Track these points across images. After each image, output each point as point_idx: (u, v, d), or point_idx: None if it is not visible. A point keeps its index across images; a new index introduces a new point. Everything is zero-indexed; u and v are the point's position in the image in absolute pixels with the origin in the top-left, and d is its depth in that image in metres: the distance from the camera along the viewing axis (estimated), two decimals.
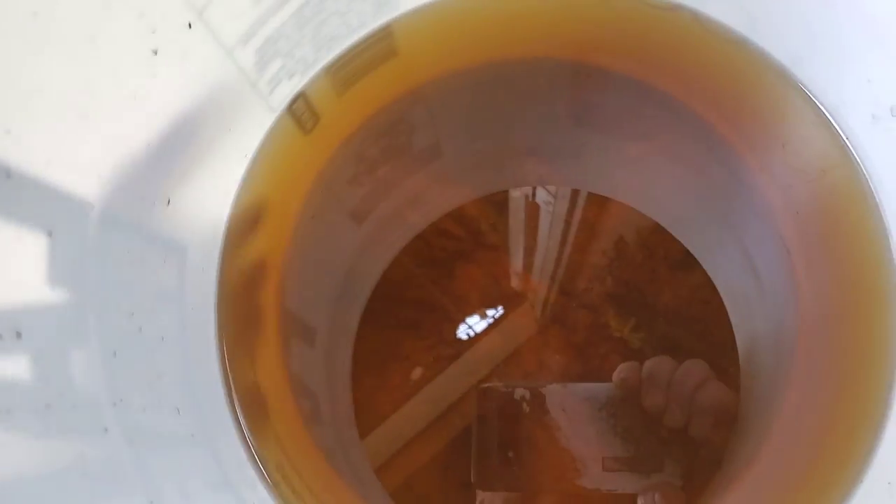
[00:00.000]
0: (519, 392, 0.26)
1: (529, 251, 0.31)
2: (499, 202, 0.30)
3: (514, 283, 0.30)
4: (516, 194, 0.31)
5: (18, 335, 0.11)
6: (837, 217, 0.18)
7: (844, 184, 0.18)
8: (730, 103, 0.20)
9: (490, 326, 0.29)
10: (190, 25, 0.14)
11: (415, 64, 0.22)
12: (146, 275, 0.14)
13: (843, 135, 0.17)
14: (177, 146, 0.15)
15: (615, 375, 0.24)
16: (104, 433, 0.12)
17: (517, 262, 0.30)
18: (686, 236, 0.26)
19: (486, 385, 0.27)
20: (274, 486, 0.17)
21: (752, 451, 0.19)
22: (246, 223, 0.19)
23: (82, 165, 0.12)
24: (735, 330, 0.23)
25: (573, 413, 0.24)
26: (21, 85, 0.11)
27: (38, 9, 0.11)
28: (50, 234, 0.12)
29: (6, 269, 0.11)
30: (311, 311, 0.24)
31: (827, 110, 0.18)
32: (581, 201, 0.30)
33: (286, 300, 0.21)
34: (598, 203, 0.30)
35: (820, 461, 0.17)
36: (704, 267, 0.25)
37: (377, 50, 0.20)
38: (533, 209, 0.31)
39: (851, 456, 0.15)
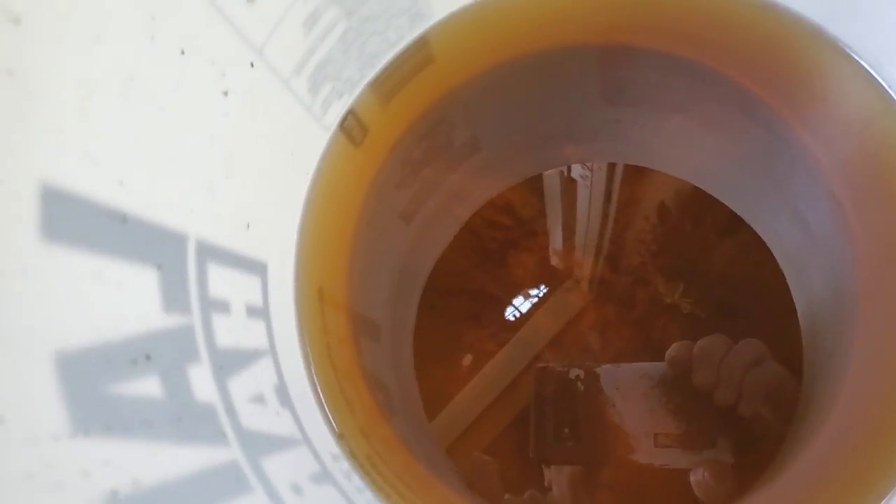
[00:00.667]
0: (574, 371, 0.27)
1: (570, 227, 0.32)
2: (541, 188, 0.31)
3: (557, 261, 0.31)
4: (550, 172, 0.32)
5: (148, 358, 0.12)
6: (886, 166, 0.19)
7: (890, 133, 0.18)
8: (763, 65, 0.21)
9: (537, 306, 0.30)
10: (252, 65, 0.15)
11: (450, 67, 0.23)
12: (236, 294, 0.16)
13: (884, 84, 0.18)
14: (250, 175, 0.17)
15: (667, 354, 0.25)
16: (224, 438, 0.14)
17: (557, 240, 0.31)
18: (731, 199, 0.27)
19: (543, 365, 0.28)
20: (365, 475, 0.19)
21: (811, 431, 0.20)
22: (313, 235, 0.20)
23: (177, 203, 0.14)
24: (792, 290, 0.24)
25: (626, 391, 0.25)
26: (124, 140, 0.12)
27: (133, 71, 0.12)
28: (159, 267, 0.13)
29: (132, 303, 0.12)
30: (374, 310, 0.26)
31: (865, 62, 0.18)
32: (619, 172, 0.31)
33: (353, 302, 0.23)
34: (636, 172, 0.31)
35: (882, 442, 0.17)
36: (754, 227, 0.26)
37: (415, 60, 0.21)
38: (569, 185, 0.32)
39: None
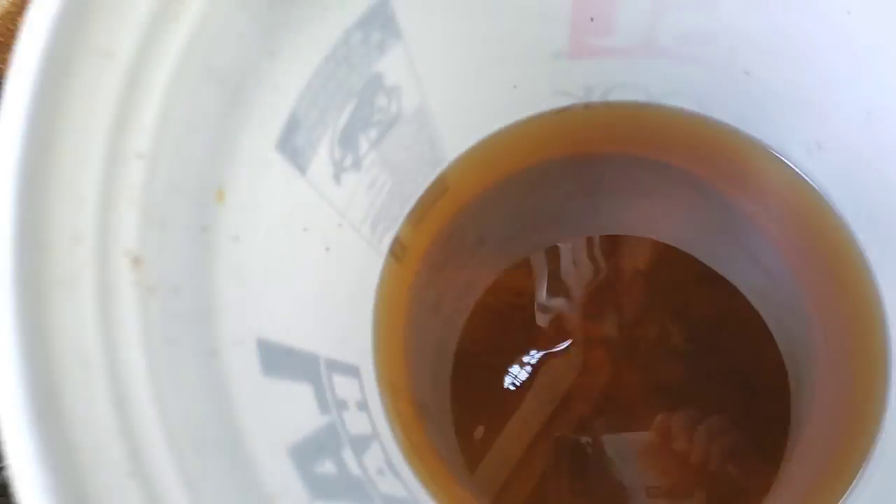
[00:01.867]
0: (584, 439, 0.33)
1: (557, 292, 0.37)
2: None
3: (547, 325, 0.36)
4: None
5: (322, 448, 0.17)
6: (808, 222, 0.25)
7: (802, 199, 0.25)
8: (703, 158, 0.27)
9: (537, 372, 0.35)
10: (340, 225, 0.21)
11: (460, 192, 0.29)
12: (349, 394, 0.21)
13: (790, 163, 0.24)
14: (344, 302, 0.22)
15: (653, 424, 0.31)
16: (371, 500, 0.19)
17: (548, 307, 0.37)
18: (702, 254, 0.32)
19: (558, 435, 0.34)
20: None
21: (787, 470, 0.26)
22: (380, 340, 0.26)
23: (311, 333, 0.19)
24: (767, 323, 0.30)
25: (624, 454, 0.32)
26: (281, 300, 0.18)
27: (283, 250, 0.18)
28: (312, 382, 0.19)
29: (308, 410, 0.17)
30: (425, 392, 0.31)
31: (774, 149, 0.25)
32: (597, 242, 0.37)
33: (412, 389, 0.28)
34: (614, 238, 0.37)
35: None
36: (725, 276, 0.31)
37: (435, 192, 0.28)
38: (553, 252, 0.38)
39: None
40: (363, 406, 0.22)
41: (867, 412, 0.22)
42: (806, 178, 0.23)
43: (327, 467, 0.17)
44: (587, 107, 0.27)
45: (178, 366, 0.12)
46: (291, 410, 0.17)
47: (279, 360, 0.17)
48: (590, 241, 0.38)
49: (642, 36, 0.22)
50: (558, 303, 0.37)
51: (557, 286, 0.37)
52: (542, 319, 0.36)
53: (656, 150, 0.28)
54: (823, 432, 0.24)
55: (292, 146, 0.17)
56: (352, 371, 0.22)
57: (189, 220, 0.14)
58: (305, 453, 0.16)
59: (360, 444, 0.20)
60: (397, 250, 0.27)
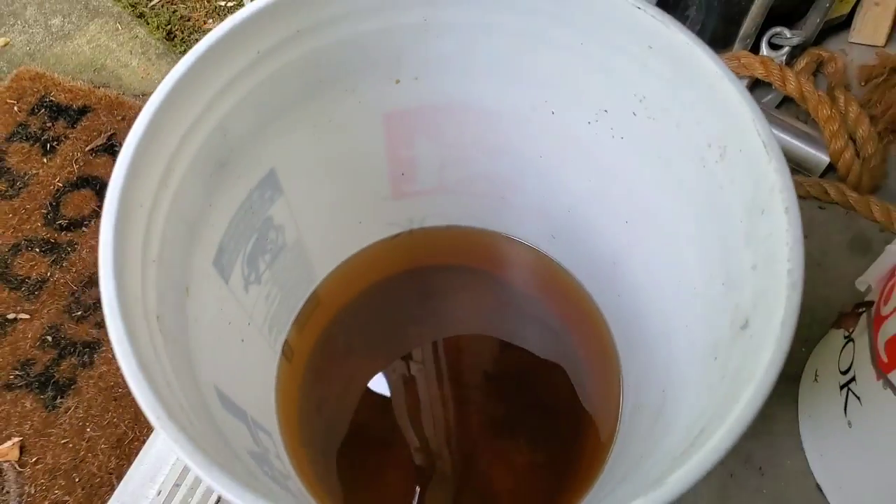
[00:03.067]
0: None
1: (420, 424, 0.45)
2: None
3: (420, 459, 0.44)
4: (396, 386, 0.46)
5: (257, 450, 0.25)
6: (563, 292, 0.38)
7: (556, 275, 0.38)
8: (495, 260, 0.40)
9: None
10: (249, 324, 0.30)
11: (330, 305, 0.39)
12: (266, 442, 0.29)
13: (544, 252, 0.37)
14: (257, 386, 0.31)
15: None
16: (277, 473, 0.26)
17: (413, 439, 0.44)
18: (501, 333, 0.44)
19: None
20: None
21: None
22: (283, 426, 0.34)
23: (245, 400, 0.28)
24: (562, 364, 0.41)
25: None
26: (215, 358, 0.27)
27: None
28: (246, 423, 0.27)
29: (248, 444, 0.26)
30: (321, 473, 0.38)
31: (532, 245, 0.38)
32: (441, 349, 0.48)
33: (314, 470, 0.36)
34: (453, 344, 0.47)
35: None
36: (519, 343, 0.43)
37: (311, 304, 0.37)
38: (396, 385, 0.47)
39: None
40: (278, 456, 0.30)
41: (612, 408, 0.34)
42: (550, 257, 0.36)
43: (264, 463, 0.25)
44: (411, 233, 0.39)
45: (184, 384, 0.21)
46: (240, 434, 0.25)
47: (227, 403, 0.25)
48: (435, 351, 0.48)
49: (436, 182, 0.35)
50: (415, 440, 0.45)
51: (410, 385, 0.47)
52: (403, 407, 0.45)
53: (460, 258, 0.40)
54: (596, 421, 0.35)
55: (220, 264, 0.27)
56: (267, 432, 0.30)
57: (175, 302, 0.23)
58: (254, 455, 0.24)
59: (280, 477, 0.28)
60: (287, 352, 0.36)
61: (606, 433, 0.33)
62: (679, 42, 0.22)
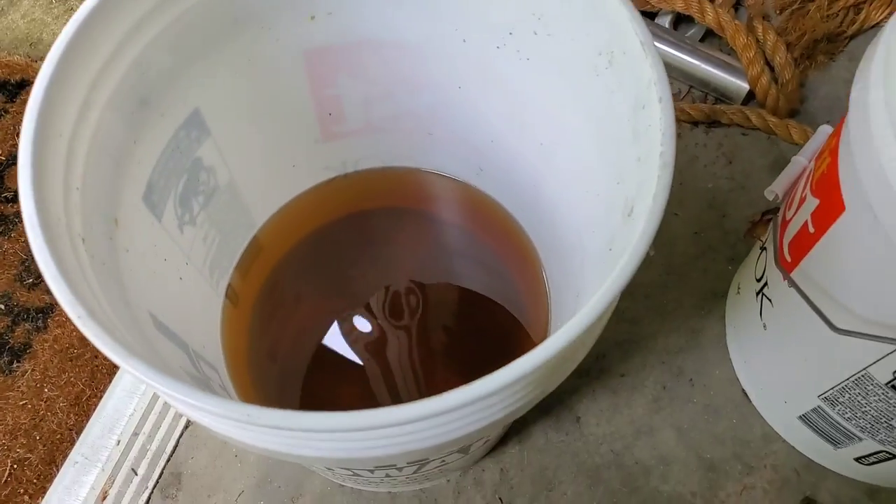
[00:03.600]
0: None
1: (373, 363, 0.47)
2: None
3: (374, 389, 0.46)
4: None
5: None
6: (493, 220, 0.39)
7: (486, 205, 0.39)
8: (429, 198, 0.41)
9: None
10: (186, 263, 0.32)
11: (272, 250, 0.40)
12: (208, 366, 0.31)
13: (474, 186, 0.39)
14: (199, 324, 0.32)
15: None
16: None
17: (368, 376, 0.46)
18: (445, 276, 0.46)
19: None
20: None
21: None
22: (232, 367, 0.35)
23: (184, 330, 0.29)
24: (495, 299, 0.43)
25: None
26: (149, 289, 0.28)
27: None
28: (185, 350, 0.28)
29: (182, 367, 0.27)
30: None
31: (461, 179, 0.39)
32: (377, 291, 0.49)
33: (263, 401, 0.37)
34: (397, 285, 0.49)
35: None
36: (458, 281, 0.45)
37: (253, 250, 0.39)
38: (346, 326, 0.48)
39: None
40: (224, 388, 0.32)
41: (542, 320, 0.36)
42: (480, 190, 0.38)
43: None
44: (346, 176, 0.40)
45: (113, 301, 0.22)
46: (178, 357, 0.26)
47: (164, 330, 0.26)
48: (377, 286, 0.50)
49: (363, 121, 0.36)
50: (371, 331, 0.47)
51: (359, 327, 0.48)
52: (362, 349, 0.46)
53: (397, 199, 0.42)
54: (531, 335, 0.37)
55: (151, 201, 0.28)
56: (212, 367, 0.32)
57: (103, 230, 0.24)
58: (194, 378, 0.25)
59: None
60: (231, 295, 0.37)
61: (539, 336, 0.35)
62: None
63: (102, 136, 0.24)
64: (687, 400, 0.42)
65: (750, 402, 0.41)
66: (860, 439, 0.33)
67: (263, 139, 0.34)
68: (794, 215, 0.33)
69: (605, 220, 0.25)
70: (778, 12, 0.51)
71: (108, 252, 0.23)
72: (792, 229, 0.33)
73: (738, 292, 0.42)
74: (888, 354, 0.28)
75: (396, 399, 0.41)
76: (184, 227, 0.31)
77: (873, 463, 0.35)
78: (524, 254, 0.37)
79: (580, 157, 0.28)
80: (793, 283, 0.33)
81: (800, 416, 0.37)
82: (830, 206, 0.28)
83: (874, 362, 0.29)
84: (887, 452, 0.33)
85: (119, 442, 0.40)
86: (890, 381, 0.29)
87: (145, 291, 0.26)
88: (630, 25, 0.22)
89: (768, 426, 0.40)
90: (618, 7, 0.23)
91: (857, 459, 0.35)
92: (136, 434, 0.40)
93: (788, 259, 0.33)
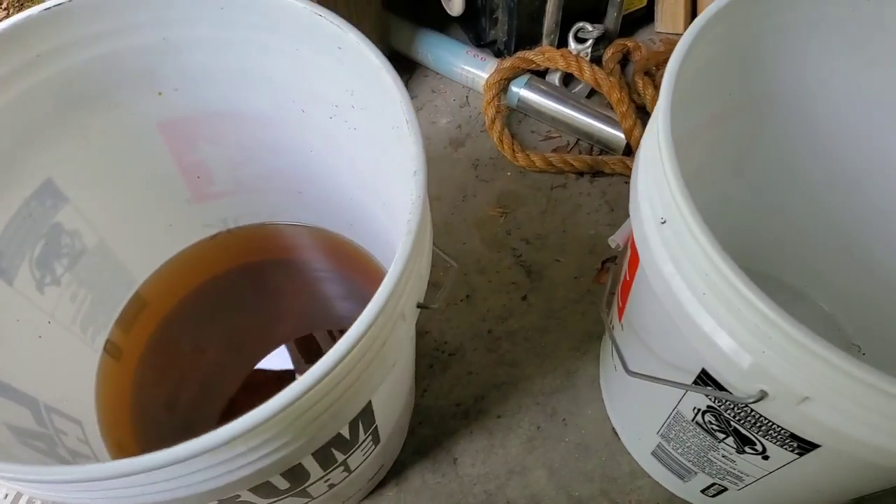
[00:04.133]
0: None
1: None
2: None
3: None
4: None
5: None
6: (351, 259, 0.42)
7: (344, 246, 0.41)
8: (304, 249, 0.44)
9: None
10: (49, 322, 0.33)
11: (159, 306, 0.42)
12: (70, 432, 0.32)
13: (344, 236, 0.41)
14: (62, 381, 0.34)
15: None
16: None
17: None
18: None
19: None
20: None
21: None
22: (107, 421, 0.37)
23: (33, 384, 0.31)
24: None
25: None
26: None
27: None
28: (33, 415, 0.30)
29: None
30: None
31: (331, 231, 0.42)
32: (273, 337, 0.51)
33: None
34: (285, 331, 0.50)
35: None
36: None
37: (136, 307, 0.41)
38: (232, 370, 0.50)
39: None
40: (84, 441, 0.33)
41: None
42: (351, 240, 0.40)
43: (40, 440, 0.28)
44: (229, 232, 0.43)
45: None
46: (16, 416, 0.28)
47: (4, 390, 0.28)
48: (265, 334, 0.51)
49: (233, 182, 0.39)
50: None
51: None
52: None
53: (278, 252, 0.44)
54: None
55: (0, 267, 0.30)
56: (74, 420, 0.33)
57: None
58: (21, 432, 0.27)
59: (67, 454, 0.31)
60: (112, 350, 0.39)
61: None
62: (351, 41, 0.26)
63: None
64: (559, 439, 0.43)
65: (619, 439, 0.43)
66: (696, 472, 0.35)
67: (131, 202, 0.37)
68: (623, 262, 0.36)
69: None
70: (654, 68, 0.55)
71: None
72: (620, 275, 0.35)
73: (605, 334, 0.44)
74: (685, 395, 0.30)
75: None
76: (44, 287, 0.33)
77: (715, 494, 0.36)
78: (372, 270, 0.40)
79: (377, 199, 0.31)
80: (629, 325, 0.35)
81: (651, 452, 0.38)
82: (634, 256, 0.31)
83: (678, 402, 0.31)
84: (719, 485, 0.35)
85: None
86: (693, 418, 0.31)
87: None
88: (400, 105, 0.25)
89: (635, 462, 0.42)
90: (392, 88, 0.25)
91: (702, 491, 0.37)
92: None
93: (619, 304, 0.35)
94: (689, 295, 0.24)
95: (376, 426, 0.30)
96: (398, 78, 0.25)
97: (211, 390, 0.49)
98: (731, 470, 0.32)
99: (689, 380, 0.28)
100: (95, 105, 0.31)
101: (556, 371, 0.46)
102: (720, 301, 0.22)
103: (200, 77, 0.32)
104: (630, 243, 0.33)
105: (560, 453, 0.43)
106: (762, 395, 0.23)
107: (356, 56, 0.27)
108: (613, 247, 0.39)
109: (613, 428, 0.43)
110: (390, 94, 0.25)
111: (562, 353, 0.46)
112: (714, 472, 0.33)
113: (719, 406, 0.28)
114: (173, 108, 0.33)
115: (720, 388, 0.26)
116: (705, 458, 0.33)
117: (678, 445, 0.34)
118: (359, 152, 0.33)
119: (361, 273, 0.42)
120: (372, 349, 0.23)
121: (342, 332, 0.21)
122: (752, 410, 0.26)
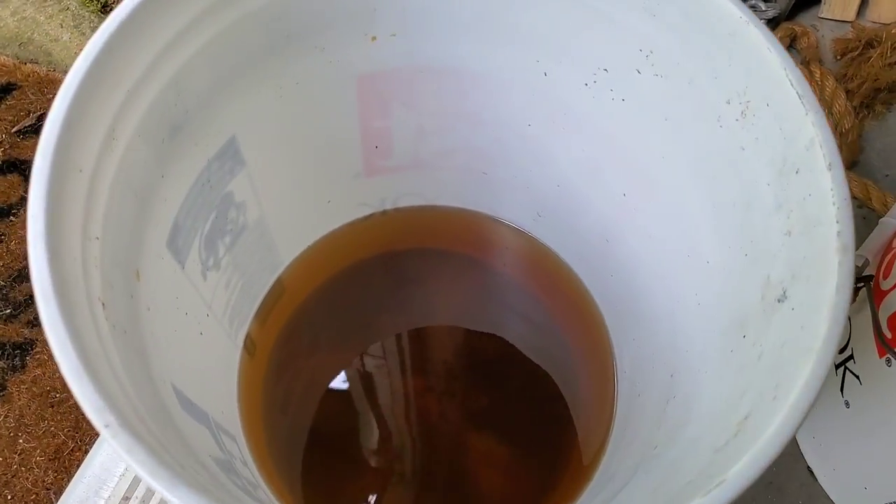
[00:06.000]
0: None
1: (395, 425, 0.41)
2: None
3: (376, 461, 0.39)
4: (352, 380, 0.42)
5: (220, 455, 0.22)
6: (546, 272, 0.35)
7: (541, 255, 0.35)
8: (475, 242, 0.37)
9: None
10: (207, 315, 0.27)
11: (296, 293, 0.36)
12: (225, 437, 0.26)
13: (528, 233, 0.35)
14: (219, 385, 0.27)
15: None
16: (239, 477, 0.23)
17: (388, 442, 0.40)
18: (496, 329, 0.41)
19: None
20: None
21: None
22: (247, 427, 0.31)
23: (197, 395, 0.24)
24: (540, 364, 0.39)
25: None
26: (170, 352, 0.23)
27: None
28: (208, 427, 0.23)
29: (213, 447, 0.22)
30: (284, 474, 0.35)
31: (514, 225, 0.35)
32: (406, 341, 0.45)
33: (278, 470, 0.33)
34: (429, 335, 0.44)
35: None
36: (500, 334, 0.40)
37: (275, 293, 0.34)
38: (367, 380, 0.43)
39: None
40: (244, 462, 0.27)
41: (606, 396, 0.32)
42: (535, 237, 0.34)
43: (231, 472, 0.22)
44: (384, 213, 0.36)
45: (138, 383, 0.17)
46: (204, 440, 0.21)
47: (187, 405, 0.22)
48: (407, 335, 0.45)
49: (412, 156, 0.32)
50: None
51: (383, 381, 0.43)
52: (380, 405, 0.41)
53: (437, 240, 0.38)
54: (588, 411, 0.33)
55: (175, 245, 0.23)
56: (231, 436, 0.27)
57: (124, 287, 0.19)
58: (220, 463, 0.21)
59: (249, 486, 0.25)
60: (249, 345, 0.33)
61: (601, 423, 0.31)
62: None
63: (129, 170, 0.20)
64: None
65: (816, 481, 0.38)
66: None
67: (301, 172, 0.30)
68: (892, 287, 0.30)
69: (725, 295, 0.22)
70: (837, 57, 0.48)
71: (129, 315, 0.19)
72: (892, 302, 0.29)
73: None
74: None
75: (414, 468, 0.36)
76: (207, 272, 0.26)
77: None
78: (584, 313, 0.33)
79: (680, 216, 0.24)
80: (893, 363, 0.29)
81: None
82: None
83: None
84: None
85: None
86: None
87: (167, 358, 0.21)
88: (783, 73, 0.19)
89: None
90: (766, 49, 0.19)
91: None
92: (126, 498, 0.35)
93: (888, 335, 0.30)
94: None
95: None
96: (773, 37, 0.19)
97: (320, 392, 0.43)
98: None
99: None
100: (298, 48, 0.25)
101: None
102: None
103: (428, 21, 0.25)
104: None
105: (749, 492, 0.37)
106: None
107: (685, 3, 0.20)
108: (860, 263, 0.33)
109: (809, 468, 0.38)
110: (754, 57, 0.19)
111: None
112: None
113: None
114: (383, 59, 0.27)
115: None
116: None
117: None
118: (614, 130, 0.26)
119: (536, 276, 0.36)
120: None
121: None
122: None
